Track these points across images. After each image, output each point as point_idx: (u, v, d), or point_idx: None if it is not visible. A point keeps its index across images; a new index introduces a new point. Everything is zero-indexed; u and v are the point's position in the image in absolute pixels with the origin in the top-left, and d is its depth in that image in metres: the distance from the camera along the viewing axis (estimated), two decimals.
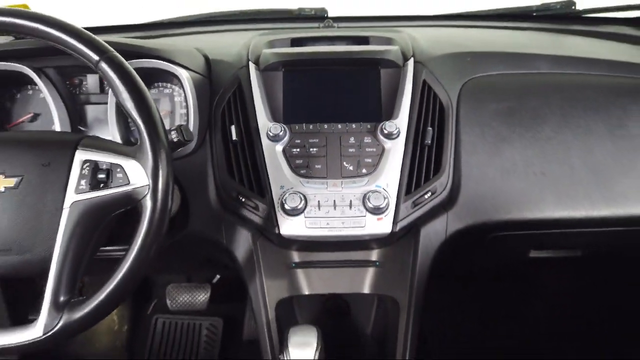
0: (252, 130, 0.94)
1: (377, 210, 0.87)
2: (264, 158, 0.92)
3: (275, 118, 0.96)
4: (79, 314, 0.69)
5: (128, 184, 0.70)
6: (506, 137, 0.96)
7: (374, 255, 0.96)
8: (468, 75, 1.03)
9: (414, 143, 0.92)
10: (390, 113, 0.96)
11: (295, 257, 0.96)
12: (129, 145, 0.75)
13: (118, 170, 0.71)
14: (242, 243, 0.94)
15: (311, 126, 0.95)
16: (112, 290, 0.69)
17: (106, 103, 1.01)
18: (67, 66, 1.00)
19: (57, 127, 0.99)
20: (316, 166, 0.92)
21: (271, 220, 0.89)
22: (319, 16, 1.44)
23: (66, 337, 0.70)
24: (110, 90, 0.96)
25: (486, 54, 1.07)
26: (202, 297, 1.60)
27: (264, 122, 0.94)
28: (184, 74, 0.95)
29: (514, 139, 0.96)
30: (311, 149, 0.93)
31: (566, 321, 1.58)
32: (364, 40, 1.10)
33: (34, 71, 0.96)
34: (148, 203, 0.69)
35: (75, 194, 0.70)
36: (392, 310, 0.96)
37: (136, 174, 0.70)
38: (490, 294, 1.64)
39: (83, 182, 0.71)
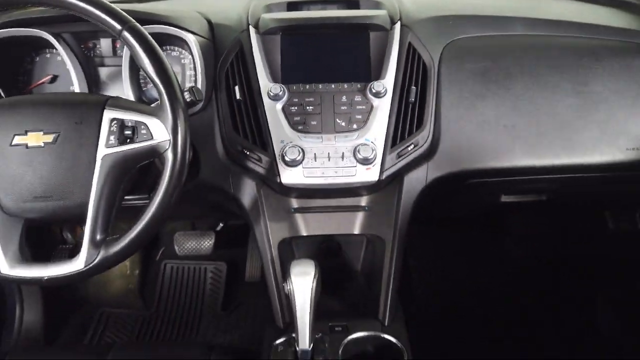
0: (254, 91, 1.04)
1: (366, 161, 0.99)
2: (266, 116, 1.03)
3: (274, 79, 1.06)
4: (113, 249, 0.81)
5: (152, 139, 0.81)
6: (481, 94, 1.08)
7: (363, 201, 1.09)
8: (449, 38, 1.12)
9: (399, 101, 1.03)
10: (378, 73, 1.06)
11: (294, 203, 1.09)
12: (142, 104, 0.86)
13: (142, 127, 0.82)
14: (248, 191, 1.07)
15: (307, 86, 1.05)
16: (141, 229, 0.81)
17: (118, 65, 1.11)
18: (82, 31, 1.09)
19: (75, 88, 1.09)
20: (312, 122, 1.03)
21: (273, 170, 1.01)
22: None
23: (103, 269, 0.83)
24: (124, 54, 1.06)
25: (466, 17, 1.17)
26: (207, 243, 1.74)
27: (265, 82, 1.05)
28: (191, 39, 1.04)
29: (488, 95, 1.08)
30: (307, 107, 1.04)
31: (532, 259, 1.76)
32: (355, 4, 1.19)
33: (53, 36, 1.05)
34: (169, 155, 0.81)
35: (106, 148, 0.81)
36: (379, 248, 1.10)
37: (158, 130, 0.81)
38: (467, 235, 1.80)
39: (112, 137, 0.82)
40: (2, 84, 1.07)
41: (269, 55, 1.08)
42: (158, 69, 0.80)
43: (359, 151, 0.99)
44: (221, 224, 1.81)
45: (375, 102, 1.03)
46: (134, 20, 0.81)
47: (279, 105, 1.04)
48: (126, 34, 0.80)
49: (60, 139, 0.81)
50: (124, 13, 0.81)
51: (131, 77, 1.08)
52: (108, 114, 0.82)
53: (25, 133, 0.80)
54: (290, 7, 1.18)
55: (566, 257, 1.75)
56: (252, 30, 1.10)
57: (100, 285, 1.75)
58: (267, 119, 1.03)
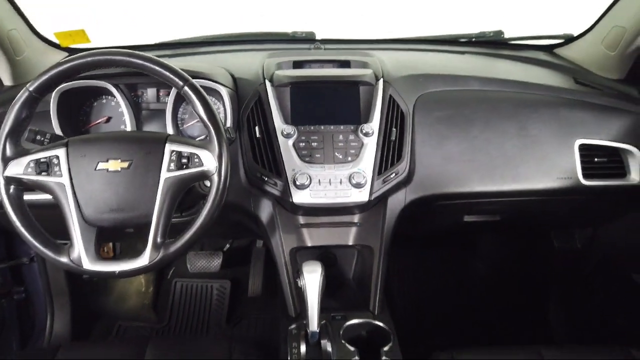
0: (270, 130, 1.34)
1: (358, 185, 1.28)
2: (280, 150, 1.32)
3: (286, 121, 1.36)
4: (171, 249, 1.07)
5: (202, 165, 1.09)
6: (446, 135, 1.39)
7: (355, 218, 1.37)
8: (421, 91, 1.45)
9: (383, 139, 1.34)
10: (366, 118, 1.37)
11: (301, 219, 1.37)
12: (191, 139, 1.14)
13: (195, 157, 1.09)
14: (265, 209, 1.35)
15: (312, 127, 1.35)
16: (192, 234, 1.07)
17: (160, 110, 1.39)
18: (135, 83, 1.38)
19: (127, 127, 1.37)
20: (317, 155, 1.32)
21: (286, 192, 1.29)
22: (309, 38, 1.85)
23: (163, 264, 1.08)
24: (168, 101, 1.35)
25: (433, 76, 1.50)
26: (215, 262, 1.99)
27: (279, 124, 1.34)
28: (223, 90, 1.34)
29: (451, 137, 1.39)
30: (313, 143, 1.33)
31: (493, 272, 2.07)
32: (347, 63, 1.52)
33: (114, 87, 1.33)
34: (215, 178, 1.08)
35: (167, 172, 1.08)
36: (368, 257, 1.38)
37: (208, 159, 1.09)
38: (440, 252, 2.11)
39: (172, 164, 1.09)
40: (65, 123, 1.34)
41: (281, 103, 1.38)
42: (209, 115, 1.08)
43: (353, 178, 1.28)
44: (227, 245, 2.07)
45: (365, 140, 1.33)
46: (190, 79, 1.10)
47: (291, 142, 1.33)
48: (187, 89, 1.08)
49: (133, 165, 1.07)
50: (184, 72, 1.10)
51: (172, 119, 1.36)
52: (169, 147, 1.09)
53: (107, 160, 1.07)
54: (296, 65, 1.50)
55: (521, 271, 2.06)
56: (267, 83, 1.40)
57: (119, 301, 1.97)
58: (281, 152, 1.31)
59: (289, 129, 1.33)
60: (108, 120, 1.42)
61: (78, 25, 1.71)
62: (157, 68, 1.07)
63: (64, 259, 1.06)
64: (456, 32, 1.92)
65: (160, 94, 1.42)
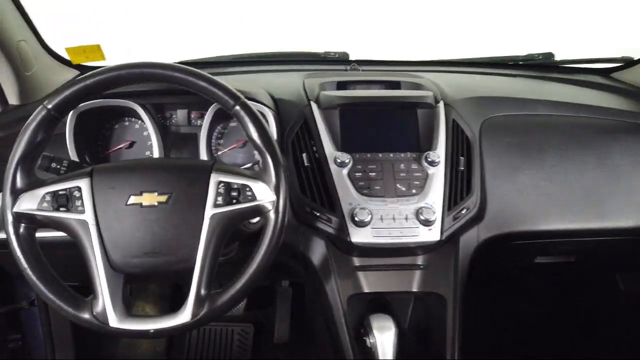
0: (321, 158, 1.16)
1: (427, 223, 1.10)
2: (333, 180, 1.14)
3: (336, 147, 1.18)
4: (218, 303, 0.87)
5: (256, 200, 0.90)
6: (518, 165, 1.22)
7: (419, 260, 1.19)
8: (485, 115, 1.29)
9: (450, 169, 1.16)
10: (429, 145, 1.19)
11: (356, 261, 1.18)
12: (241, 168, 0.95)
13: (247, 189, 0.91)
14: (317, 249, 1.15)
15: (369, 155, 1.18)
16: (244, 282, 0.88)
17: (191, 134, 1.21)
18: (162, 103, 1.20)
19: (155, 153, 1.18)
20: (376, 187, 1.14)
21: (343, 230, 1.10)
22: (342, 59, 1.70)
23: (208, 321, 0.88)
24: (204, 122, 1.17)
25: (498, 99, 1.34)
26: (240, 306, 1.77)
27: (330, 151, 1.16)
28: (269, 113, 1.16)
29: (524, 167, 1.22)
30: (370, 173, 1.15)
31: (556, 318, 1.87)
32: (396, 85, 1.35)
33: (141, 107, 1.15)
34: (272, 215, 0.90)
35: (214, 208, 0.90)
36: (436, 306, 1.18)
37: (262, 192, 0.90)
38: (496, 294, 1.91)
39: (219, 198, 0.90)
40: (82, 148, 1.15)
41: (330, 127, 1.21)
42: (265, 139, 0.91)
43: (421, 213, 1.10)
44: None
45: (431, 170, 1.16)
46: (242, 97, 0.92)
47: (345, 171, 1.15)
48: (238, 109, 0.91)
49: (172, 199, 0.89)
50: (235, 91, 0.92)
51: (207, 145, 1.18)
52: (215, 177, 0.91)
53: (141, 193, 0.88)
54: (340, 86, 1.34)
55: (576, 314, 1.87)
56: (314, 105, 1.23)
57: (128, 346, 1.74)
58: (334, 183, 1.13)
59: (343, 156, 1.15)
60: (131, 145, 1.23)
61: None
62: (203, 84, 0.90)
63: (86, 316, 0.87)
64: (501, 54, 1.77)
65: (192, 116, 1.24)
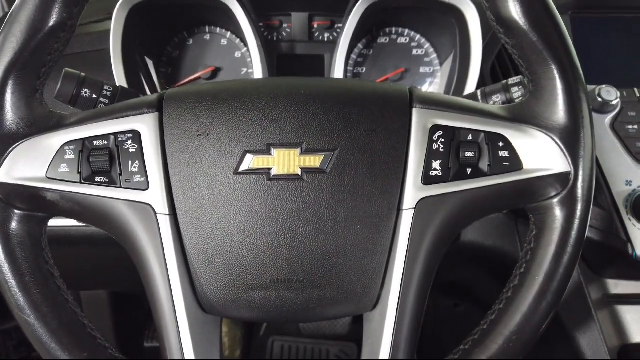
0: None
1: None
2: None
3: None
4: None
5: (521, 168, 0.40)
6: None
7: None
8: None
9: None
10: None
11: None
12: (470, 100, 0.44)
13: (500, 145, 0.40)
14: None
15: None
16: (511, 332, 0.39)
17: (314, 56, 0.71)
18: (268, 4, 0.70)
19: None
20: None
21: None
22: None
23: None
24: (342, 34, 0.66)
25: None
26: (344, 319, 1.28)
27: None
28: None
29: None
30: None
31: None
32: None
33: (238, 2, 0.65)
34: (561, 206, 0.39)
35: (424, 185, 0.40)
36: None
37: (538, 154, 0.39)
38: None
39: (436, 163, 0.40)
40: (134, 74, 0.67)
41: None
42: (561, 42, 0.39)
43: None
44: None
45: None
46: None
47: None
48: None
49: (337, 162, 0.39)
50: None
51: (344, 74, 0.67)
52: (424, 117, 0.40)
53: (269, 149, 0.39)
54: None
55: None
56: None
57: None
58: None
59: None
60: (214, 73, 0.73)
61: None
62: None
63: None
64: None
65: (315, 26, 0.73)
